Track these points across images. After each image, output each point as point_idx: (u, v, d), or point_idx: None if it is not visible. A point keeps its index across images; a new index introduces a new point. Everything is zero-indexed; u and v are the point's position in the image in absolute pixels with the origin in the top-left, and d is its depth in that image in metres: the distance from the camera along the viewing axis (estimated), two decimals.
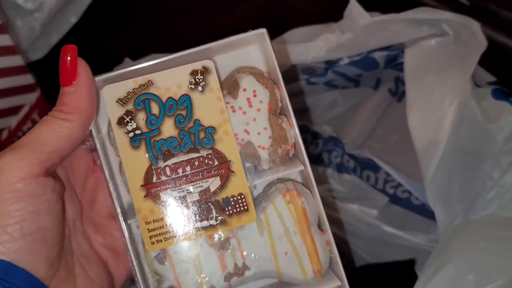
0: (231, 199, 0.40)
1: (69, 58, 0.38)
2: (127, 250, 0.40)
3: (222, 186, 0.40)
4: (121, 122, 0.40)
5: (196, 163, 0.40)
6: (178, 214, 0.39)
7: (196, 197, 0.40)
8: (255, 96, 0.41)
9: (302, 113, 0.71)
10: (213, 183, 0.40)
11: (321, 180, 0.64)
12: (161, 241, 0.39)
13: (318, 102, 0.71)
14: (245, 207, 0.40)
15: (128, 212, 0.42)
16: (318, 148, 0.67)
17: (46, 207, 0.36)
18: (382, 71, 0.65)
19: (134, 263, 0.40)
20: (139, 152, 0.39)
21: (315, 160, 0.66)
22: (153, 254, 0.40)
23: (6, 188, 0.34)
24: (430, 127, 0.50)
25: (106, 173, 0.40)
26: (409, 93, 0.52)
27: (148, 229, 0.39)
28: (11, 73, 0.70)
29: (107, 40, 0.78)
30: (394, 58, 0.63)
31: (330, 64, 0.65)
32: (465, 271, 0.43)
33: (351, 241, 0.63)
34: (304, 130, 0.69)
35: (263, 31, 0.40)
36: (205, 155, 0.40)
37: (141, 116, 0.40)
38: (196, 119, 0.40)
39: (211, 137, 0.40)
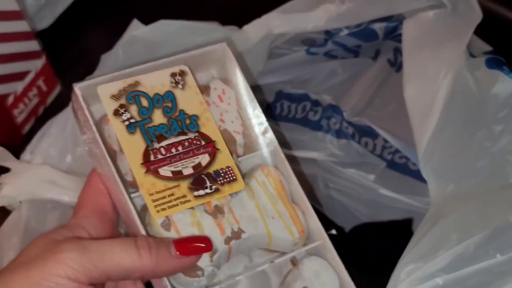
0: (221, 171, 0.45)
1: (199, 244, 0.42)
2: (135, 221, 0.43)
3: (211, 161, 0.46)
4: (116, 113, 0.45)
5: (186, 143, 0.46)
6: (177, 185, 0.44)
7: (190, 170, 0.45)
8: (224, 93, 0.49)
9: (302, 82, 0.74)
10: (203, 159, 0.46)
11: (320, 146, 0.67)
12: (165, 209, 0.43)
13: (318, 71, 0.73)
14: (234, 177, 0.46)
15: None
16: (318, 115, 0.70)
17: None
18: (381, 42, 0.68)
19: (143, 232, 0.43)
20: (136, 137, 0.45)
21: (315, 126, 0.69)
22: (159, 222, 0.44)
23: (53, 277, 0.37)
24: (425, 99, 0.53)
25: (107, 158, 0.44)
26: (406, 67, 0.55)
27: (152, 199, 0.43)
28: (17, 38, 0.72)
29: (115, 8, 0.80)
30: (394, 29, 0.65)
31: (330, 34, 0.67)
32: (450, 231, 0.47)
33: (349, 204, 0.66)
34: (304, 98, 0.72)
35: (223, 45, 0.49)
36: (192, 137, 0.46)
37: (134, 108, 0.45)
38: (181, 110, 0.46)
39: (195, 123, 0.46)
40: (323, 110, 0.69)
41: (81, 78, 0.57)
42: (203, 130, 0.46)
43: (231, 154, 0.46)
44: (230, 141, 0.48)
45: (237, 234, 0.45)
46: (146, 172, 0.44)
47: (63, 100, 0.63)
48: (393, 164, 0.67)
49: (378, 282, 0.47)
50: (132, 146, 0.45)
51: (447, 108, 0.52)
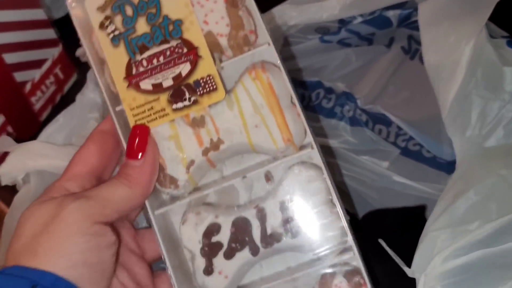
0: (201, 81, 0.45)
1: (138, 137, 0.45)
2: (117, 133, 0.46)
3: (192, 70, 0.45)
4: (102, 26, 0.46)
5: (168, 52, 0.45)
6: (156, 99, 0.45)
7: (170, 82, 0.45)
8: None
9: (315, 70, 0.74)
10: (184, 68, 0.45)
11: (333, 133, 0.68)
12: (144, 123, 0.45)
13: (332, 59, 0.73)
14: (214, 86, 0.45)
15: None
16: (331, 102, 0.70)
17: (106, 245, 0.41)
18: (395, 30, 0.68)
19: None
20: (119, 50, 0.45)
21: (328, 113, 0.69)
22: None
23: (74, 225, 0.40)
24: (447, 65, 0.52)
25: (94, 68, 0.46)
26: (424, 39, 0.54)
27: (132, 114, 0.45)
28: (34, 27, 0.74)
29: None
30: (408, 16, 0.66)
31: (343, 23, 0.68)
32: (487, 199, 0.46)
33: (363, 191, 0.67)
34: (318, 85, 0.72)
35: None
36: (175, 45, 0.45)
37: (118, 19, 0.46)
38: (164, 15, 0.45)
39: (178, 28, 0.45)
40: (337, 98, 0.70)
41: None
42: (186, 35, 0.45)
43: (214, 61, 0.45)
44: (214, 44, 0.46)
45: (215, 145, 0.45)
46: (128, 86, 0.45)
47: (80, 88, 0.65)
48: (407, 151, 0.67)
49: (390, 268, 0.47)
50: (116, 60, 0.45)
51: (470, 72, 0.51)
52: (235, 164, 0.48)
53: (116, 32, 0.45)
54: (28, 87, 0.74)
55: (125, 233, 0.48)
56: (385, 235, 0.62)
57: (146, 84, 0.45)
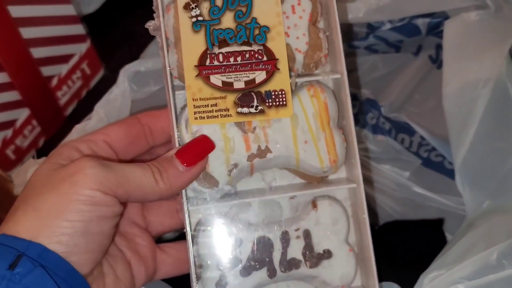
0: (273, 93, 0.45)
1: (201, 147, 0.44)
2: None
3: (266, 80, 0.45)
4: (187, 7, 0.45)
5: (247, 55, 0.45)
6: (223, 97, 0.45)
7: (241, 85, 0.45)
8: (299, 4, 0.47)
9: None
10: (259, 76, 0.45)
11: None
12: (204, 118, 0.45)
13: (358, 65, 0.75)
14: (284, 102, 0.45)
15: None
16: (355, 109, 0.72)
17: (111, 216, 0.41)
18: (424, 38, 0.69)
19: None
20: (198, 36, 0.45)
21: None
22: (194, 129, 0.45)
23: (84, 191, 0.39)
24: (463, 109, 0.54)
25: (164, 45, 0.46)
26: (446, 71, 0.56)
27: (194, 105, 0.45)
28: (63, 22, 0.76)
29: None
30: (437, 25, 0.66)
31: (371, 28, 0.69)
32: (476, 241, 0.49)
33: (382, 200, 0.68)
34: None
35: None
36: (256, 50, 0.45)
37: (205, 5, 0.45)
38: (254, 17, 0.45)
39: (264, 35, 0.45)
40: (361, 105, 0.71)
41: (125, 62, 0.60)
42: (270, 44, 0.45)
43: (290, 77, 0.46)
44: (290, 58, 0.47)
45: (262, 153, 0.46)
46: (197, 75, 0.44)
47: (107, 84, 0.66)
48: (429, 162, 0.69)
49: (403, 278, 0.49)
50: (192, 45, 0.45)
51: (485, 119, 0.53)
52: (285, 180, 0.50)
53: (200, 18, 0.45)
54: (54, 81, 0.77)
55: (131, 205, 0.47)
56: (401, 246, 0.63)
57: (216, 79, 0.45)
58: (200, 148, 0.44)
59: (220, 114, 0.45)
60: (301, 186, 0.49)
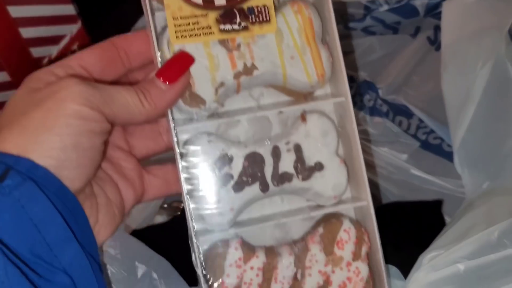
0: (256, 9, 0.45)
1: (180, 63, 0.43)
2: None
3: None
4: None
5: None
6: (204, 15, 0.44)
7: (223, 2, 0.44)
8: None
9: None
10: None
11: None
12: (185, 36, 0.44)
13: (355, 47, 0.74)
14: (268, 18, 0.45)
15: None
16: (352, 91, 0.71)
17: (99, 131, 0.40)
18: (422, 19, 0.68)
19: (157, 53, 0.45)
20: None
21: None
22: (176, 48, 0.45)
23: (71, 105, 0.38)
24: (461, 91, 0.54)
25: None
26: (444, 53, 0.56)
27: (174, 24, 0.44)
28: (54, 2, 0.75)
29: None
30: (435, 6, 0.66)
31: (369, 10, 0.68)
32: (476, 221, 0.49)
33: (381, 183, 0.68)
34: None
35: None
36: None
37: None
38: None
39: None
40: (358, 87, 0.71)
41: None
42: None
43: None
44: None
45: (249, 70, 0.45)
46: None
47: None
48: (427, 145, 0.68)
49: (402, 260, 0.49)
50: None
51: (484, 100, 0.53)
52: (273, 97, 0.50)
53: None
54: (44, 63, 0.75)
55: (114, 129, 0.46)
56: (399, 228, 0.63)
57: None
58: (179, 63, 0.43)
59: (203, 32, 0.44)
60: (289, 102, 0.49)
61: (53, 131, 0.37)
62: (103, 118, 0.40)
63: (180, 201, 0.64)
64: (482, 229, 0.47)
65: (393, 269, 0.50)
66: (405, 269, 0.49)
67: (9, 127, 0.38)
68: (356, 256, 0.47)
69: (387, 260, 0.49)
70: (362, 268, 0.47)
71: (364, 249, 0.48)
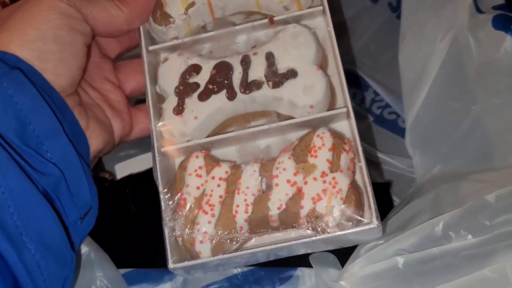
0: None
1: None
2: None
3: None
4: None
5: None
6: None
7: None
8: None
9: None
10: None
11: None
12: None
13: None
14: None
15: None
16: None
17: (80, 30, 0.42)
18: None
19: None
20: None
21: None
22: None
23: (50, 2, 0.40)
24: (418, 64, 0.52)
25: None
26: (404, 22, 0.54)
27: None
28: None
29: None
30: None
31: None
32: (421, 209, 0.47)
33: None
34: None
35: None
36: None
37: None
38: None
39: None
40: None
41: None
42: None
43: None
44: None
45: None
46: None
47: None
48: (381, 120, 0.66)
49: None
50: None
51: (440, 76, 0.51)
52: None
53: None
54: None
55: (103, 62, 0.49)
56: None
57: None
58: None
59: None
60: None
61: (33, 25, 0.40)
62: (82, 17, 0.42)
63: (107, 171, 0.62)
64: (427, 217, 0.44)
65: (331, 257, 0.48)
66: (346, 258, 0.46)
67: None
68: (334, 166, 0.42)
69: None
70: (341, 179, 0.42)
71: (344, 159, 0.43)
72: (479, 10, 0.53)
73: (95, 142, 0.43)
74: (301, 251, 0.45)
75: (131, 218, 0.61)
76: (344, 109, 0.44)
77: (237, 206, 0.43)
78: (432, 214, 0.44)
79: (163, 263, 0.44)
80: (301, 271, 0.48)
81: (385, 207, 0.58)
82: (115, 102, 0.48)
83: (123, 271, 0.48)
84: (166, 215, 0.43)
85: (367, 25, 0.68)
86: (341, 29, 0.69)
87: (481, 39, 0.50)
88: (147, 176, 0.50)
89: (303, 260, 0.48)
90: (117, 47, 0.51)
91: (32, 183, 0.36)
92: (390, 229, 0.46)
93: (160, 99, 0.48)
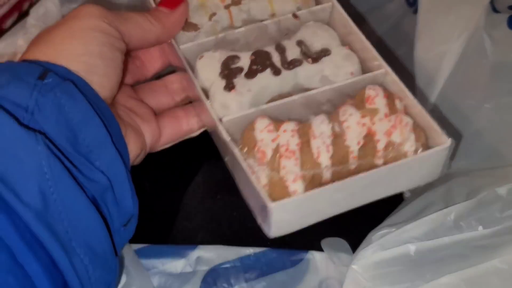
0: None
1: None
2: None
3: None
4: None
5: None
6: None
7: None
8: None
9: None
10: None
11: None
12: None
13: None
14: None
15: None
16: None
17: (119, 47, 0.44)
18: None
19: None
20: None
21: None
22: None
23: (91, 21, 0.43)
24: (433, 62, 0.53)
25: None
26: (421, 19, 0.55)
27: None
28: None
29: None
30: None
31: None
32: (433, 200, 0.48)
33: None
34: None
35: None
36: None
37: None
38: None
39: None
40: None
41: None
42: None
43: None
44: None
45: (236, 1, 0.51)
46: None
47: None
48: None
49: (353, 234, 0.48)
50: None
51: (454, 74, 0.52)
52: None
53: None
54: None
55: (123, 84, 0.50)
56: None
57: None
58: None
59: None
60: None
61: (79, 41, 0.42)
62: (120, 35, 0.44)
63: None
64: (439, 208, 0.45)
65: (341, 242, 0.49)
66: (356, 244, 0.47)
67: (35, 43, 0.42)
68: (392, 109, 0.45)
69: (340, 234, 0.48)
70: (404, 117, 0.44)
71: (398, 103, 0.45)
72: (495, 10, 0.54)
73: (133, 148, 0.45)
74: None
75: (144, 195, 0.62)
76: (383, 70, 0.47)
77: (317, 148, 0.43)
78: (444, 205, 0.46)
79: (175, 241, 0.45)
80: (311, 255, 0.49)
81: (394, 200, 0.59)
82: (141, 113, 0.49)
83: (136, 246, 0.49)
84: (250, 165, 0.43)
85: (383, 19, 0.69)
86: (356, 23, 0.69)
87: (496, 38, 0.52)
88: (161, 154, 0.51)
89: (314, 245, 0.49)
90: (158, 64, 0.53)
91: (82, 190, 0.37)
92: (402, 219, 0.47)
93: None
